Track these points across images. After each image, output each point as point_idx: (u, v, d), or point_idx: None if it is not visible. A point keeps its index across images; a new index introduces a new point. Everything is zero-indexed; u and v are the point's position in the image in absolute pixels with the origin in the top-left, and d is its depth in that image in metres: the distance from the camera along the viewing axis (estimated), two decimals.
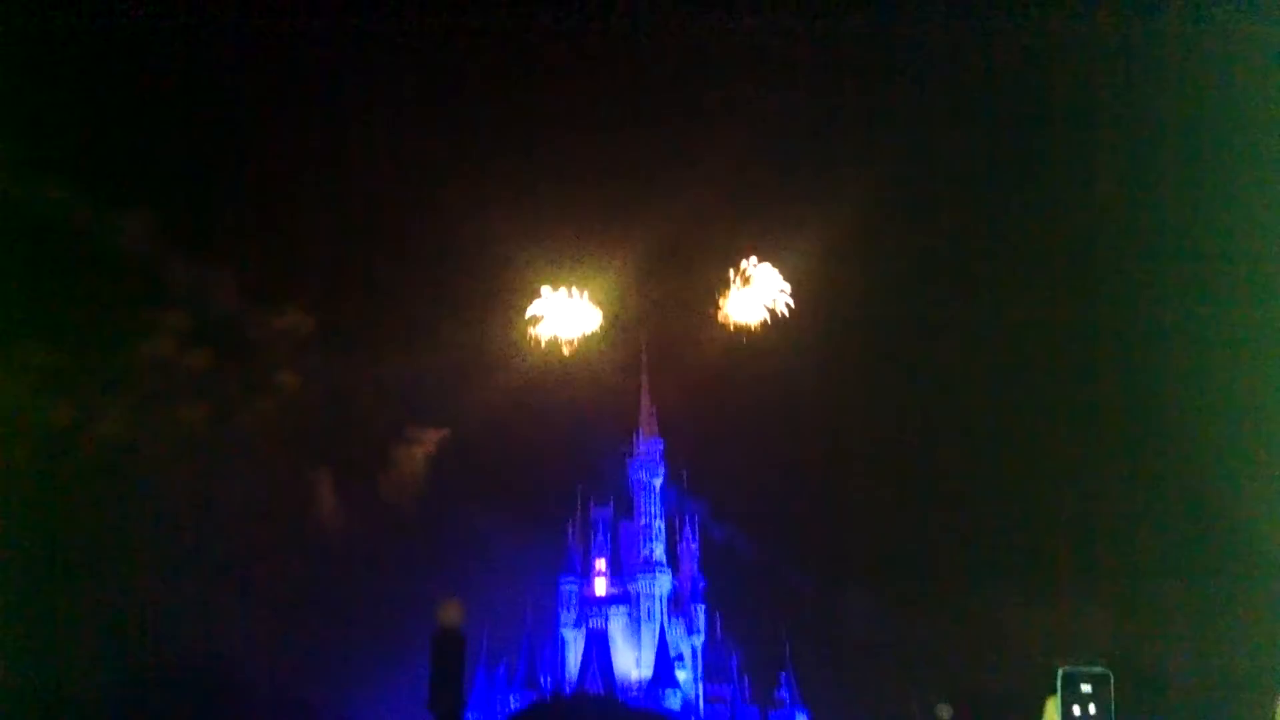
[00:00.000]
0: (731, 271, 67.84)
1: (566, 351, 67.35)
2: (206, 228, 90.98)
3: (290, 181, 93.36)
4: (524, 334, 67.88)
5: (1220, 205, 63.32)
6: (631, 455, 69.85)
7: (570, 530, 68.27)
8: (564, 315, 67.96)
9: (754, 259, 67.84)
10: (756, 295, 67.42)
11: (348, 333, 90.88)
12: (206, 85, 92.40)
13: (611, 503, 69.33)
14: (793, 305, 67.03)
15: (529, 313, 68.18)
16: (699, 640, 66.26)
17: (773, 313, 66.80)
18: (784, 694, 65.64)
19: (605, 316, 69.60)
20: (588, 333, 68.47)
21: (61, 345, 72.13)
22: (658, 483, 69.08)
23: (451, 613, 12.24)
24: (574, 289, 68.45)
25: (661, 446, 70.06)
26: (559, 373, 69.17)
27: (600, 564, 67.68)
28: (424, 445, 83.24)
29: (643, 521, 67.72)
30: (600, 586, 67.15)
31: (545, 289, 68.37)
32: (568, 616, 66.08)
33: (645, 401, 71.40)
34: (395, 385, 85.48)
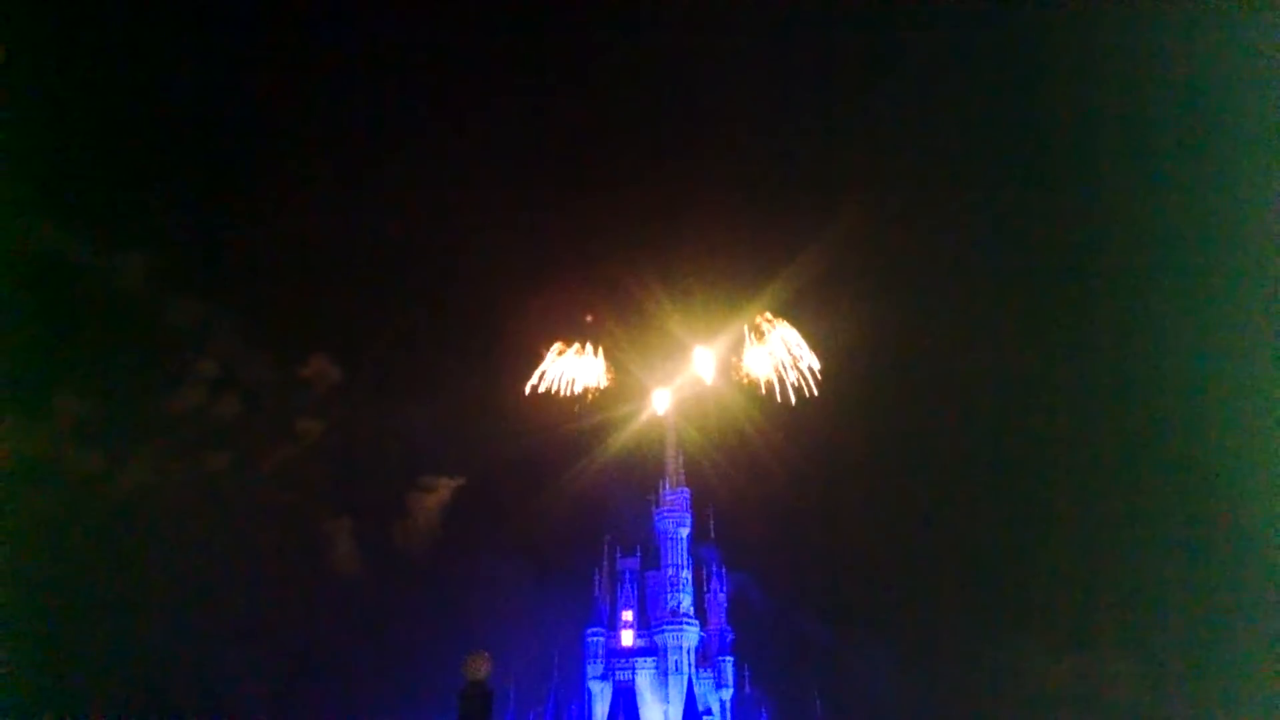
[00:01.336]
0: (746, 328, 69.19)
1: (577, 408, 68.55)
2: (232, 282, 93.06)
3: (316, 238, 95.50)
4: (541, 388, 69.23)
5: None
6: (658, 505, 69.69)
7: (596, 581, 67.95)
8: (577, 369, 69.61)
9: (768, 315, 69.26)
10: (770, 351, 68.52)
11: (371, 386, 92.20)
12: (237, 142, 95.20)
13: (638, 553, 69.06)
14: (810, 363, 67.86)
15: (542, 368, 69.87)
16: (728, 694, 65.27)
17: (780, 370, 67.93)
18: None
19: (629, 368, 70.52)
20: (602, 385, 69.66)
21: (90, 395, 73.56)
22: (684, 533, 68.72)
23: (479, 666, 12.38)
24: (588, 344, 70.22)
25: (688, 496, 69.83)
26: (584, 423, 69.81)
27: (627, 615, 67.16)
28: (449, 496, 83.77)
29: (669, 572, 67.21)
30: (627, 638, 66.58)
31: (557, 345, 70.38)
32: (594, 668, 65.47)
33: (671, 450, 71.43)
34: (420, 437, 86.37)
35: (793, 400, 66.81)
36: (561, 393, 69.72)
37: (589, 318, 71.37)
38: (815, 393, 67.07)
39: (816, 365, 68.00)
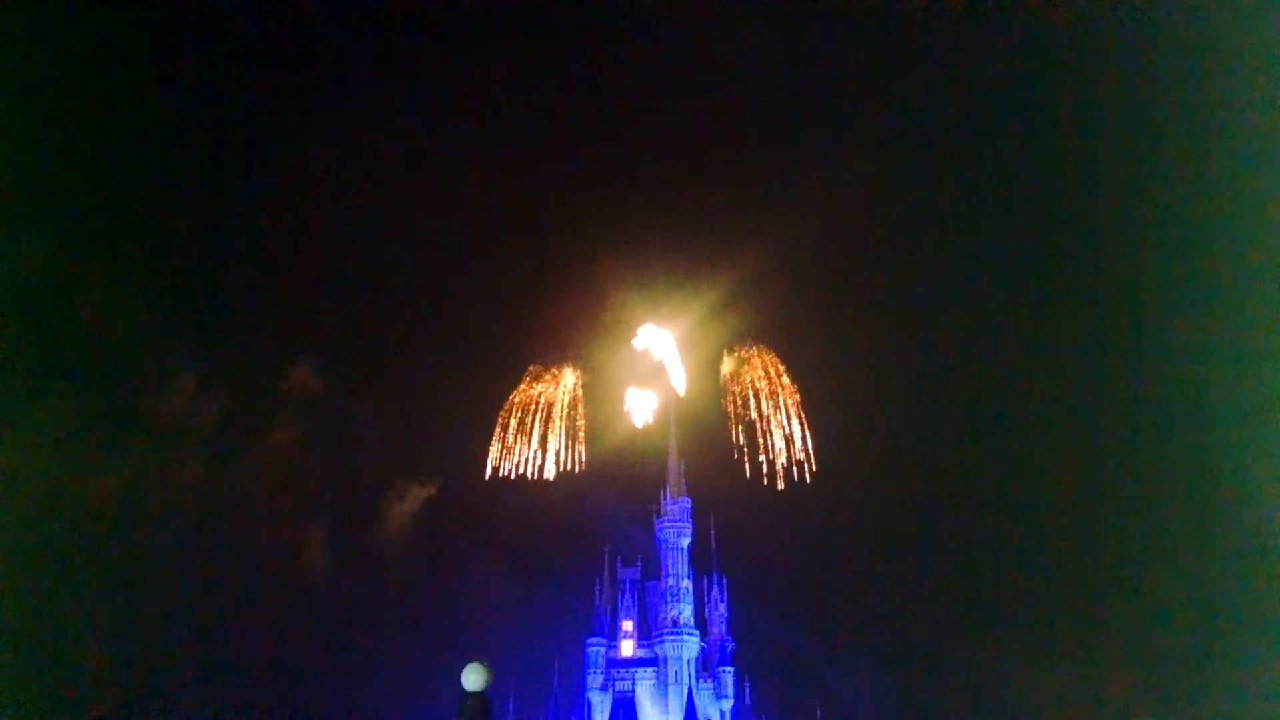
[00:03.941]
0: (725, 353, 69.60)
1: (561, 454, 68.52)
2: (214, 290, 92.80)
3: (304, 240, 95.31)
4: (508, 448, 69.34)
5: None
6: (659, 514, 69.58)
7: (597, 590, 67.82)
8: (553, 394, 69.85)
9: (748, 340, 69.60)
10: (751, 375, 68.82)
11: (362, 392, 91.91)
12: (224, 149, 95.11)
13: (639, 563, 68.95)
14: (785, 389, 67.97)
15: (517, 392, 70.06)
16: (728, 705, 64.99)
17: (758, 394, 68.06)
18: None
19: (609, 377, 70.74)
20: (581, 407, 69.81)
21: (70, 402, 73.21)
22: (685, 543, 68.60)
23: (479, 674, 12.30)
24: (565, 367, 70.41)
25: (689, 506, 69.76)
26: (583, 435, 69.81)
27: (627, 625, 67.05)
28: (446, 503, 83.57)
29: (670, 582, 67.08)
30: (627, 648, 66.45)
31: (533, 368, 70.61)
32: (594, 678, 65.27)
33: (673, 460, 71.35)
34: (415, 443, 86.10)
35: (780, 484, 66.49)
36: (534, 436, 69.62)
37: (568, 332, 71.71)
38: (806, 473, 66.61)
39: (799, 412, 67.73)
